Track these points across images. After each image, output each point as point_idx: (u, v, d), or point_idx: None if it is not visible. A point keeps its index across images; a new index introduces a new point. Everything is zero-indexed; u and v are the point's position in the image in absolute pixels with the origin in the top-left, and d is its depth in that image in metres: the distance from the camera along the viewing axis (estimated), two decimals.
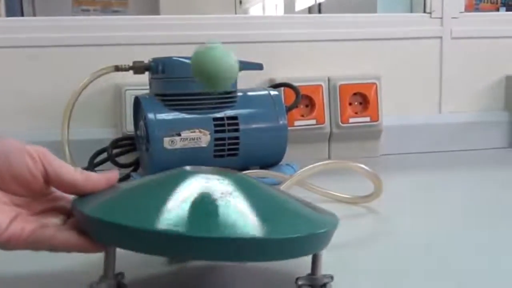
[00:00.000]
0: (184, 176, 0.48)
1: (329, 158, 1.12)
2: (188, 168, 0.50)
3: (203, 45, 0.60)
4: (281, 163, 0.96)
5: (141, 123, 0.92)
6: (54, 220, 0.49)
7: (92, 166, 0.94)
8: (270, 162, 0.94)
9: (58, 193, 0.51)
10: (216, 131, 0.89)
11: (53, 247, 0.46)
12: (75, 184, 0.48)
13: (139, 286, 0.51)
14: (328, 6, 3.00)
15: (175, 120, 0.88)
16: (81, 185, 0.48)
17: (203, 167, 0.52)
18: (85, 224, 0.46)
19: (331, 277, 0.48)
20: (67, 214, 0.50)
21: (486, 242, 0.63)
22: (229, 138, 0.90)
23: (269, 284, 0.53)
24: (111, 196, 0.48)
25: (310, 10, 3.31)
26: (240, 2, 4.55)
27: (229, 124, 0.90)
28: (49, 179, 0.48)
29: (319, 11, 3.12)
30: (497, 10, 1.61)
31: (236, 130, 0.91)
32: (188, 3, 3.71)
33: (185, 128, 0.88)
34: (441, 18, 1.19)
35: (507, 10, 1.63)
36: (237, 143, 0.91)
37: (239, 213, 0.44)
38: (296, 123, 1.08)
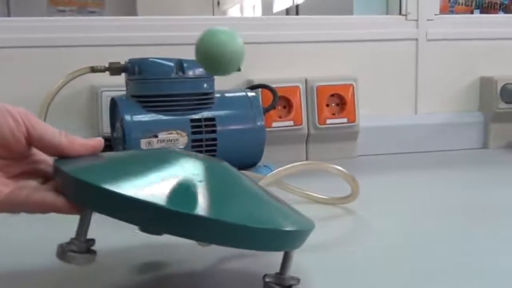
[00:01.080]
0: (169, 155, 0.48)
1: (306, 159, 1.12)
2: (176, 149, 0.51)
3: (208, 29, 0.58)
4: (258, 164, 0.96)
5: (118, 124, 0.91)
6: (32, 183, 0.48)
7: None
8: (248, 163, 0.94)
9: (38, 155, 0.50)
10: (193, 133, 0.89)
11: (29, 208, 0.45)
12: (59, 147, 0.47)
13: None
14: (305, 8, 3.01)
15: (152, 122, 0.88)
16: (64, 148, 0.48)
17: (191, 152, 0.53)
18: (63, 183, 0.45)
19: (298, 280, 0.47)
20: (46, 177, 0.49)
21: (462, 242, 0.64)
22: (207, 140, 0.90)
23: (238, 281, 0.53)
24: (93, 161, 0.48)
25: (287, 11, 3.32)
26: (218, 4, 4.54)
27: (206, 126, 0.90)
28: (32, 141, 0.47)
29: (297, 13, 3.13)
30: (472, 12, 1.63)
31: (214, 131, 0.90)
32: (165, 4, 3.69)
33: (162, 129, 0.88)
34: (417, 20, 1.20)
35: (481, 13, 1.65)
36: (214, 145, 0.90)
37: (218, 197, 0.44)
38: (274, 124, 1.08)
